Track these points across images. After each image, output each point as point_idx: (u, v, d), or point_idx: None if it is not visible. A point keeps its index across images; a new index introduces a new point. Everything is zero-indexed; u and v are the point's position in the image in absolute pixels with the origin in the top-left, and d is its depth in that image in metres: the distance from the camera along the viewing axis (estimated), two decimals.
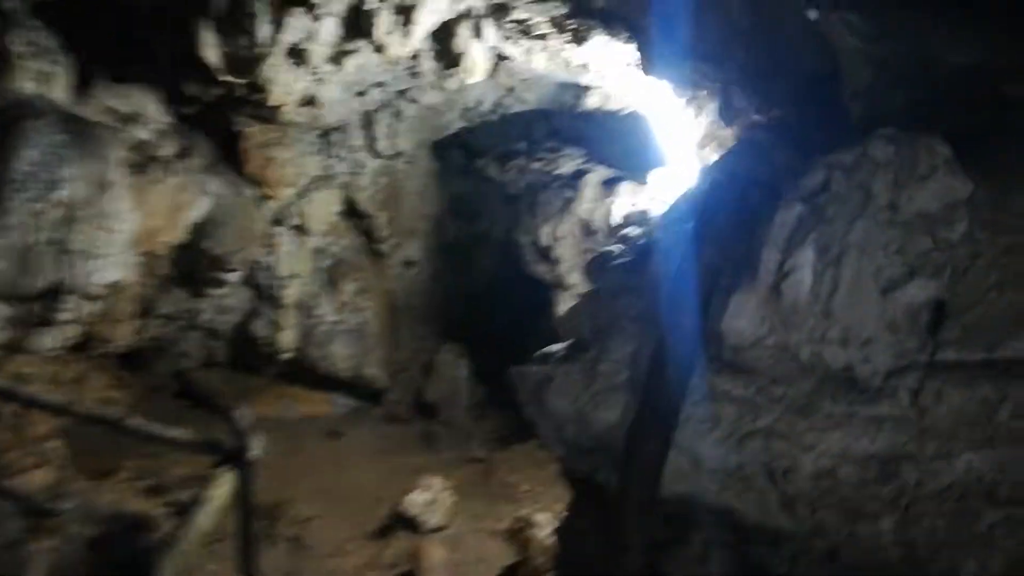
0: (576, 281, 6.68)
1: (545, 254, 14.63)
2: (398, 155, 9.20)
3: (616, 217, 6.00)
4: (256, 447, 4.79)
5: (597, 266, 3.96)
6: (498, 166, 15.51)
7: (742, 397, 3.00)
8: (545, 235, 7.06)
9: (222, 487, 4.32)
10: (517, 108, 8.89)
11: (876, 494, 3.04)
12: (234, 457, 4.52)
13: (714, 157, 5.48)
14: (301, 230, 8.56)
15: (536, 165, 16.15)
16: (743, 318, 2.83)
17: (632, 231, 4.31)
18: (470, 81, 7.79)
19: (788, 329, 2.80)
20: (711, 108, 5.29)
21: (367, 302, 9.09)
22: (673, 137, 5.92)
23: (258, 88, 6.22)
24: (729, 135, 5.09)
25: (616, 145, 8.87)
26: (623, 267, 3.70)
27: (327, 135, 8.43)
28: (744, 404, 3.01)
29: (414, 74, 7.57)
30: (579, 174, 13.34)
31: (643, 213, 5.28)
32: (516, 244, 14.24)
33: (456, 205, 12.38)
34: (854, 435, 2.95)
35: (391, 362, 9.50)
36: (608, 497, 3.74)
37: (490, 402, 9.49)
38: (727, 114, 4.72)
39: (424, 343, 10.66)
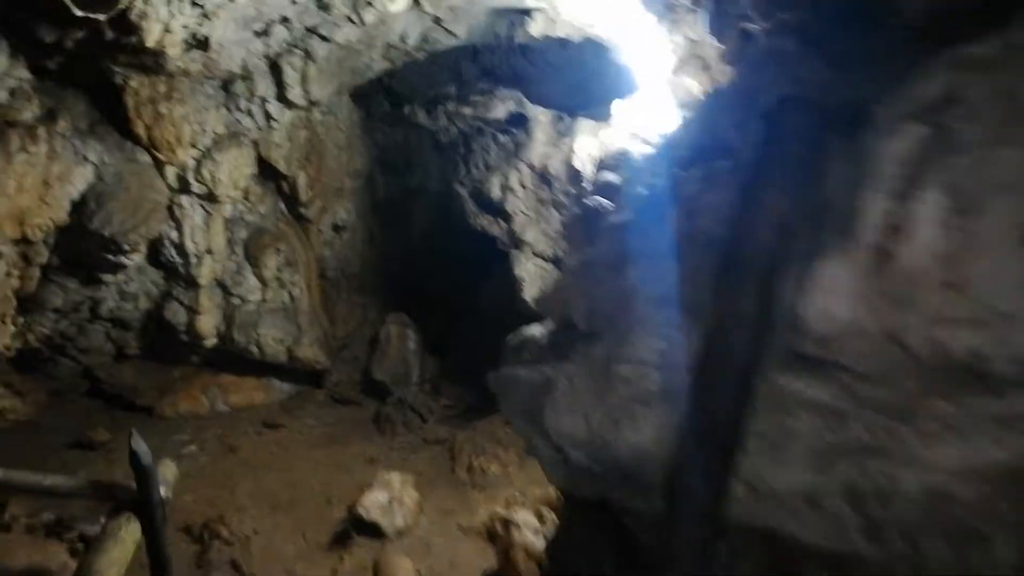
0: (533, 238, 5.71)
1: (494, 208, 13.63)
2: (314, 104, 7.92)
3: (582, 161, 5.01)
4: (167, 478, 3.73)
5: (582, 226, 3.00)
6: (427, 112, 14.26)
7: (824, 403, 2.14)
8: (494, 186, 6.04)
9: (117, 548, 3.27)
10: (446, 42, 7.70)
11: (995, 511, 2.26)
12: (137, 504, 3.46)
13: (693, 83, 4.53)
14: (210, 198, 7.28)
15: (467, 110, 14.96)
16: (834, 295, 1.94)
17: (611, 177, 3.40)
18: (392, 9, 6.57)
19: (899, 308, 1.92)
20: (691, 21, 4.31)
21: (295, 275, 7.92)
22: (640, 63, 4.95)
23: (129, 28, 4.91)
24: (716, 54, 4.12)
25: (565, 78, 7.81)
26: (623, 228, 2.74)
27: (229, 85, 7.10)
28: (827, 412, 2.14)
29: (323, 6, 6.31)
30: (517, 118, 12.29)
31: (622, 155, 4.21)
32: (454, 196, 13.14)
33: (385, 158, 11.17)
34: (976, 442, 2.12)
35: (330, 339, 8.41)
36: (626, 522, 2.89)
37: (444, 374, 8.55)
38: (720, 23, 3.74)
39: (365, 314, 9.58)
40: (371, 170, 10.18)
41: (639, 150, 3.45)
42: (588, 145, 5.03)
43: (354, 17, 6.52)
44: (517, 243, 5.66)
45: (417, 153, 12.46)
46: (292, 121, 7.82)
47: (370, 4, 6.32)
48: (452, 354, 8.56)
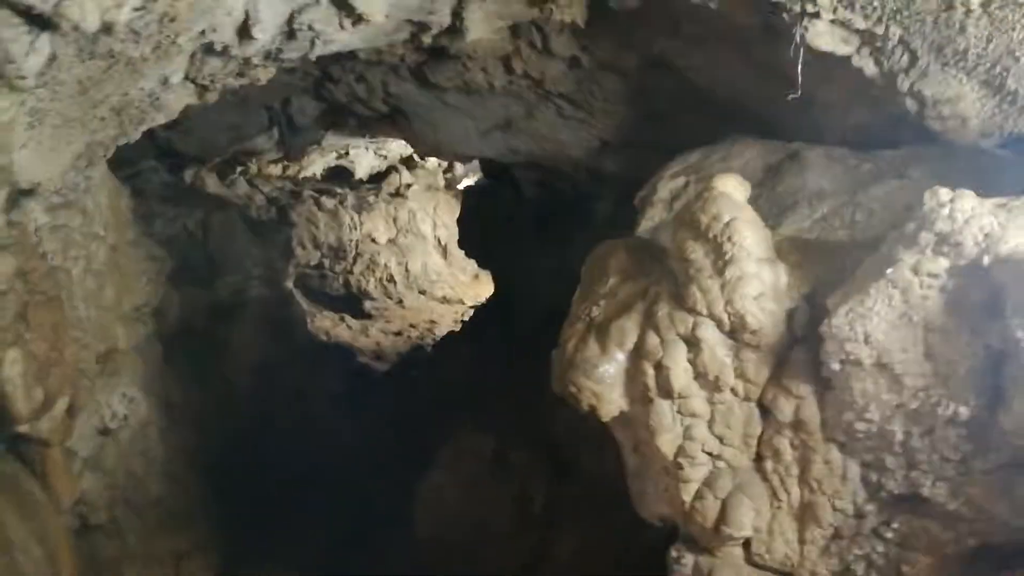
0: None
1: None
2: (28, 194, 3.33)
3: None
4: None
5: None
6: (219, 177, 9.64)
7: None
8: (610, 364, 1.98)
9: None
10: (336, 41, 3.55)
11: None
12: None
13: None
14: None
15: (276, 169, 10.78)
16: None
17: None
18: None
19: None
20: None
21: None
22: None
23: None
24: None
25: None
26: None
27: None
28: None
29: None
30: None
31: None
32: (286, 298, 8.81)
33: (176, 260, 6.49)
34: None
35: None
36: None
37: None
38: None
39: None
40: (159, 291, 5.51)
41: None
42: None
43: None
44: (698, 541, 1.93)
45: (225, 242, 7.81)
46: None
47: None
48: None
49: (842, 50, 2.67)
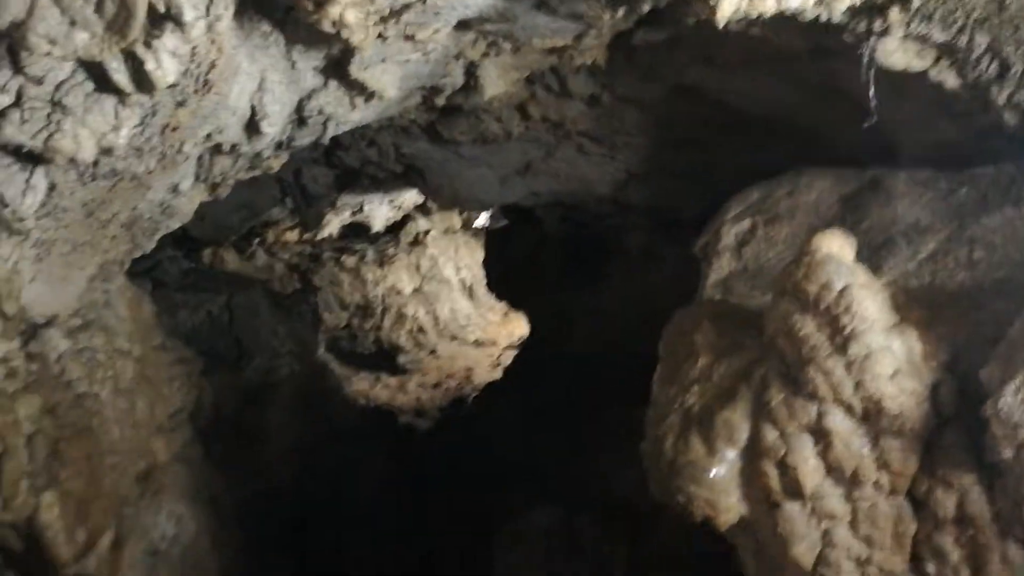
0: None
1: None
2: (44, 325, 3.09)
3: None
4: None
5: None
6: (238, 252, 9.52)
7: None
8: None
9: None
10: (345, 120, 3.31)
11: None
12: None
13: None
14: None
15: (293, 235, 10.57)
16: None
17: None
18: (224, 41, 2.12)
19: None
20: None
21: None
22: None
23: None
24: None
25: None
26: None
27: None
28: None
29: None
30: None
31: None
32: (319, 370, 8.57)
33: (203, 349, 6.25)
34: None
35: None
36: None
37: None
38: None
39: None
40: (193, 393, 5.26)
41: None
42: None
43: (120, 79, 1.95)
44: None
45: (250, 323, 7.59)
46: None
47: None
48: None
49: (917, 65, 2.36)
